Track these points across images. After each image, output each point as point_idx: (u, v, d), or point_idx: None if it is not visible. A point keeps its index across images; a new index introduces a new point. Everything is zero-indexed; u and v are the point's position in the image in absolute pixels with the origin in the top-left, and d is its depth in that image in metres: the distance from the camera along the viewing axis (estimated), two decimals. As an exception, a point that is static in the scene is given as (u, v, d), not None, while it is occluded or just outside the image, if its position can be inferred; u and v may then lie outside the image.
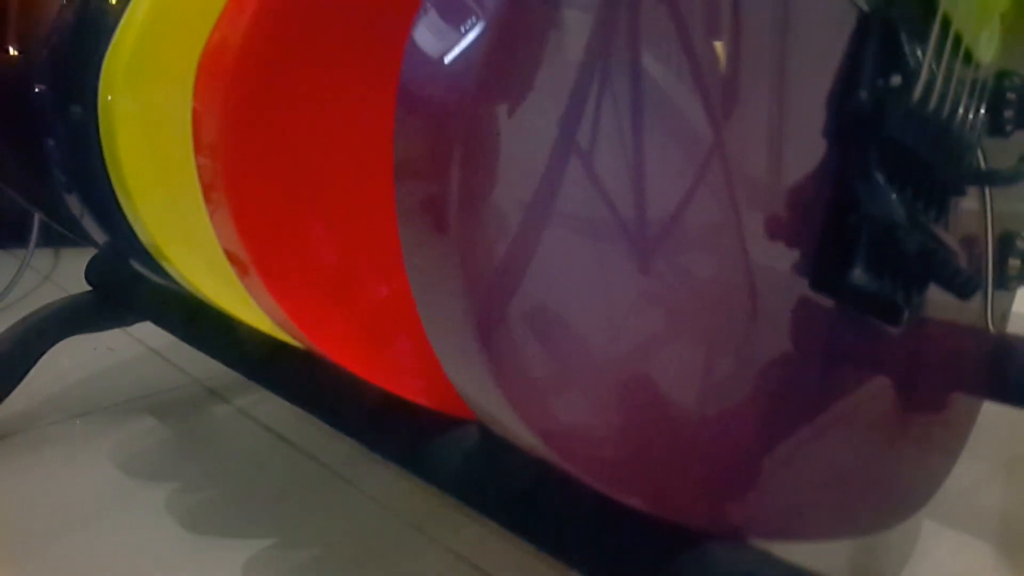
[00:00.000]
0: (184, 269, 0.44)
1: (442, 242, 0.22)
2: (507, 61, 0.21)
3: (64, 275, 0.96)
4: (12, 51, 0.52)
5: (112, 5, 0.45)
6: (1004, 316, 0.42)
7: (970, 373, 0.44)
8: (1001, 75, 0.36)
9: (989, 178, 0.33)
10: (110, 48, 0.42)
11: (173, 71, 0.39)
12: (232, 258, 0.36)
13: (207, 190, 0.36)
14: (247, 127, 0.33)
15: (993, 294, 0.40)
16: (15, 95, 0.53)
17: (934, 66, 0.29)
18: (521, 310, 0.22)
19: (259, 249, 0.31)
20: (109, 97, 0.43)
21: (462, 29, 0.21)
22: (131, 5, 0.42)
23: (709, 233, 0.25)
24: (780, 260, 0.28)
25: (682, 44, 0.23)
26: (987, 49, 0.32)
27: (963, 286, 0.28)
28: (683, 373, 0.25)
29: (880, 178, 0.27)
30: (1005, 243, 0.40)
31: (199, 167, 0.36)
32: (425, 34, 0.22)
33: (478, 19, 0.21)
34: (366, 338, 0.32)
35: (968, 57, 0.32)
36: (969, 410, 0.45)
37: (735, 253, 0.26)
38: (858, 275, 0.27)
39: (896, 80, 0.27)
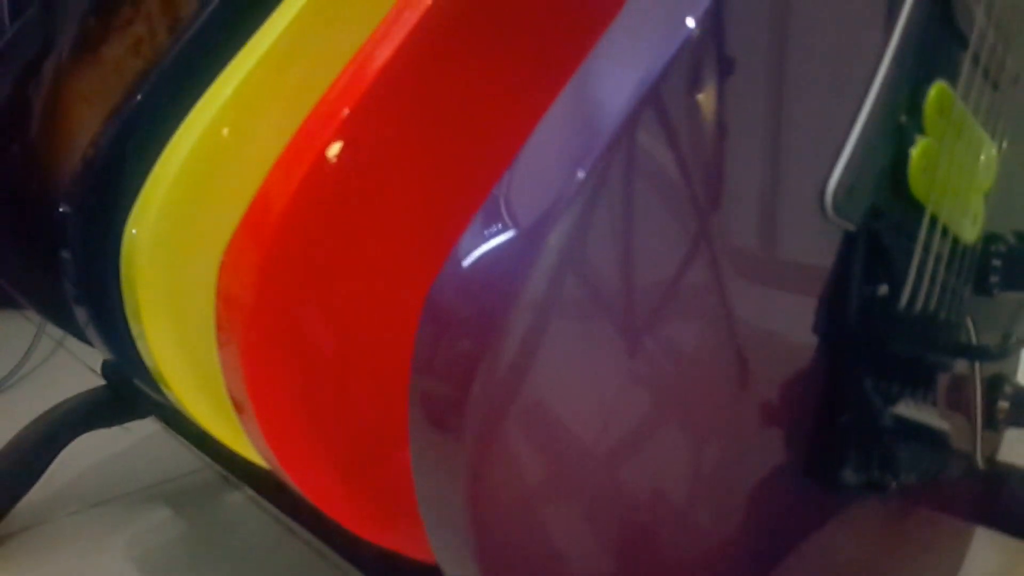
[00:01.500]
0: (187, 403, 0.45)
1: (449, 449, 0.23)
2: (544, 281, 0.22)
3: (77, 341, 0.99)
4: (41, 165, 0.54)
5: (152, 143, 0.46)
6: (994, 453, 0.43)
7: (961, 501, 0.45)
8: (988, 240, 0.37)
9: (978, 354, 0.35)
10: (146, 186, 0.43)
11: (205, 224, 0.40)
12: (239, 409, 0.38)
13: (223, 344, 0.38)
14: (274, 299, 0.34)
15: (982, 435, 0.42)
16: (36, 202, 0.55)
17: (921, 268, 0.31)
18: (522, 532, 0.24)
19: (274, 427, 0.33)
20: (134, 231, 0.45)
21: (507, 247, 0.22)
22: (170, 145, 0.43)
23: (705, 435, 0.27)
24: (773, 450, 0.29)
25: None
26: (972, 230, 0.34)
27: (950, 472, 0.30)
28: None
29: (869, 382, 0.29)
30: (994, 386, 0.42)
31: (219, 331, 0.38)
32: (470, 244, 0.23)
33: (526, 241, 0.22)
34: (375, 512, 0.34)
35: (955, 243, 0.33)
36: (962, 535, 0.46)
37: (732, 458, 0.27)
38: (848, 474, 0.29)
39: (883, 289, 0.29)
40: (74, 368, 0.92)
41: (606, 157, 0.23)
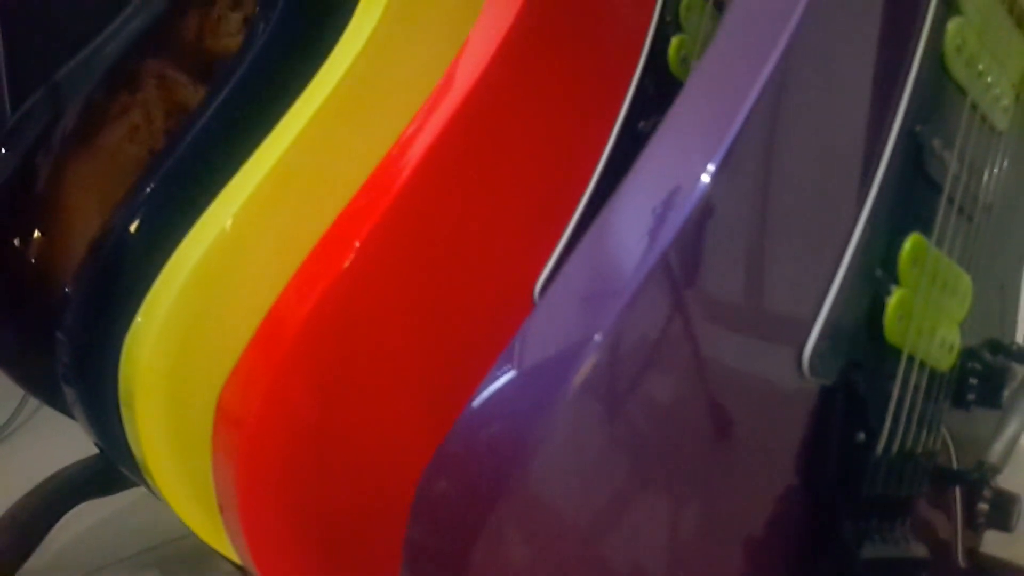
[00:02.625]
0: (167, 493, 0.45)
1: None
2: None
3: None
4: (40, 246, 0.54)
5: (164, 234, 0.46)
6: (974, 549, 0.44)
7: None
8: (966, 356, 0.38)
9: (956, 479, 0.36)
10: (160, 278, 0.42)
11: (215, 325, 0.40)
12: (223, 511, 0.38)
13: (217, 451, 0.38)
14: (276, 426, 0.35)
15: (962, 534, 0.43)
16: (32, 280, 0.55)
17: (898, 408, 0.31)
18: None
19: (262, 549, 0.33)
20: (139, 319, 0.44)
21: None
22: (187, 240, 0.42)
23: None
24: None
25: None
26: (948, 358, 0.35)
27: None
28: None
29: (849, 527, 0.30)
30: (974, 488, 0.43)
31: (216, 440, 0.38)
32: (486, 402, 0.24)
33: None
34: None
35: (932, 373, 0.34)
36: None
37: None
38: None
39: (860, 437, 0.30)
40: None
41: (619, 325, 0.24)
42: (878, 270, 0.30)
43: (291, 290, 0.34)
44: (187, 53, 0.57)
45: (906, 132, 0.30)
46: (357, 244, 0.33)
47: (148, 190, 0.44)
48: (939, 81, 0.32)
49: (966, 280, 0.35)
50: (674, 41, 0.41)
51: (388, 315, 0.34)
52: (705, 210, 0.25)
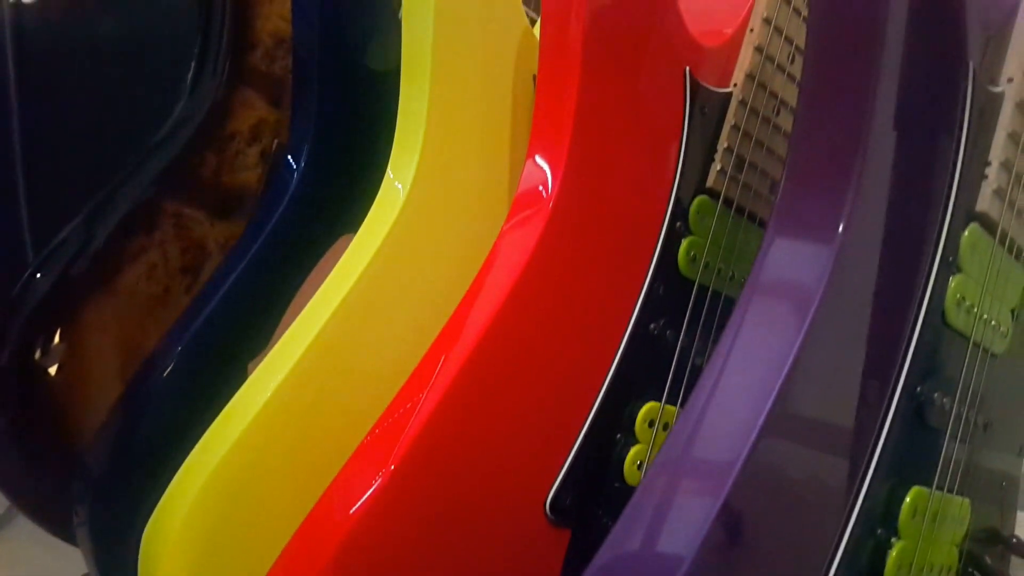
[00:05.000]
0: None
1: None
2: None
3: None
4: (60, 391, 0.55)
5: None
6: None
7: None
8: (965, 561, 0.39)
9: None
10: (190, 461, 0.41)
11: (239, 536, 0.39)
12: None
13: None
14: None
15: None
16: (52, 426, 0.55)
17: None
18: None
19: None
20: (163, 504, 0.42)
21: None
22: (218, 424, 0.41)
23: None
24: None
25: None
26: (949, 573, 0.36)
27: None
28: None
29: None
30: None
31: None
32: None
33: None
34: None
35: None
36: None
37: None
38: None
39: None
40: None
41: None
42: (879, 529, 0.31)
43: (326, 506, 0.35)
44: (204, 190, 0.58)
45: (908, 394, 0.31)
46: (392, 467, 0.34)
47: (168, 371, 0.45)
48: (940, 335, 0.33)
49: (966, 504, 0.36)
50: (684, 243, 0.42)
51: (417, 533, 0.34)
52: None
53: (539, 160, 0.35)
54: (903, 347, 0.30)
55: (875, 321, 0.29)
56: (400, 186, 0.41)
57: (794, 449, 0.27)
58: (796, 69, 0.44)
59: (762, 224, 0.44)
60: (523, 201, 0.35)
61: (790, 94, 0.44)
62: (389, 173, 0.43)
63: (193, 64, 0.57)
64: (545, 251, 0.36)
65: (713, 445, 0.26)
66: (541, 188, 0.35)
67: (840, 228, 0.27)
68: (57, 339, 0.53)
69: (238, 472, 0.38)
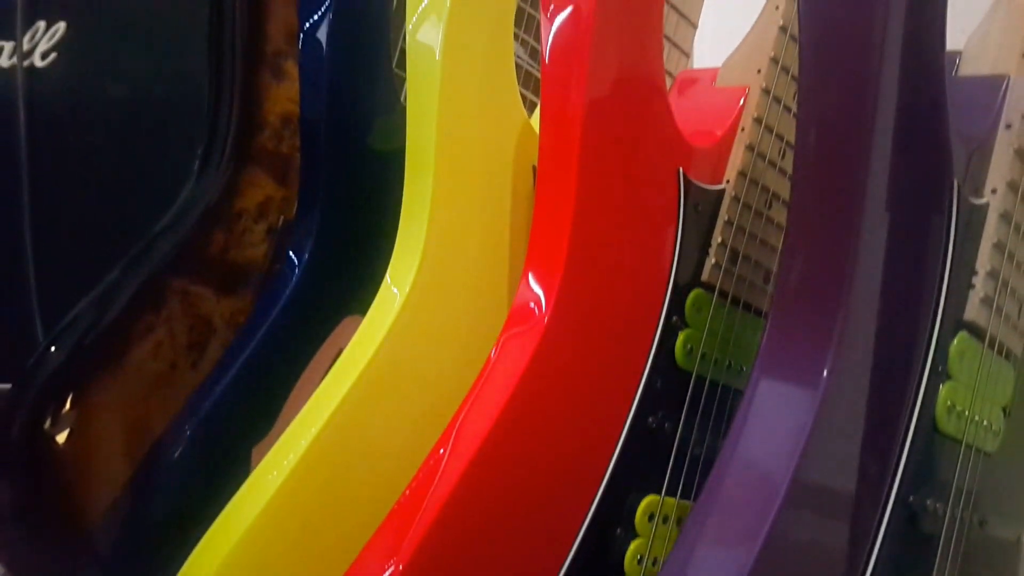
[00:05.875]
0: None
1: None
2: None
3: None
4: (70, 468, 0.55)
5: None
6: None
7: None
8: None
9: None
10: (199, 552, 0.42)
11: None
12: None
13: None
14: None
15: None
16: (61, 496, 0.56)
17: None
18: None
19: None
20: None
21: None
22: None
23: None
24: None
25: None
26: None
27: None
28: None
29: None
30: None
31: None
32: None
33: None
34: None
35: None
36: None
37: None
38: None
39: None
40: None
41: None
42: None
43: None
44: (211, 267, 0.59)
45: (901, 505, 0.32)
46: (401, 567, 0.34)
47: (178, 455, 0.46)
48: (932, 443, 0.33)
49: (961, 603, 0.37)
50: (681, 336, 0.43)
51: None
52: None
53: (533, 284, 0.36)
54: (895, 460, 0.31)
55: (867, 439, 0.30)
56: (396, 292, 0.42)
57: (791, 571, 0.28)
58: (787, 163, 0.45)
59: (757, 312, 0.45)
60: (518, 317, 0.36)
61: (782, 187, 0.45)
62: (388, 278, 0.44)
63: (202, 147, 0.58)
64: (542, 358, 0.36)
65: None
66: (534, 307, 0.36)
67: (830, 352, 0.28)
68: (67, 411, 0.54)
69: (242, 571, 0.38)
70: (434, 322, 0.44)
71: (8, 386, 0.57)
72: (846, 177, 0.29)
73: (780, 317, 0.29)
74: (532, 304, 0.35)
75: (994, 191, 0.35)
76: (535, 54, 0.60)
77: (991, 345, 0.36)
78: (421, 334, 0.43)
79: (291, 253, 0.53)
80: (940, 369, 0.33)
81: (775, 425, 0.28)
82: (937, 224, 0.31)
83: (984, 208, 0.34)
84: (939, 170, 0.31)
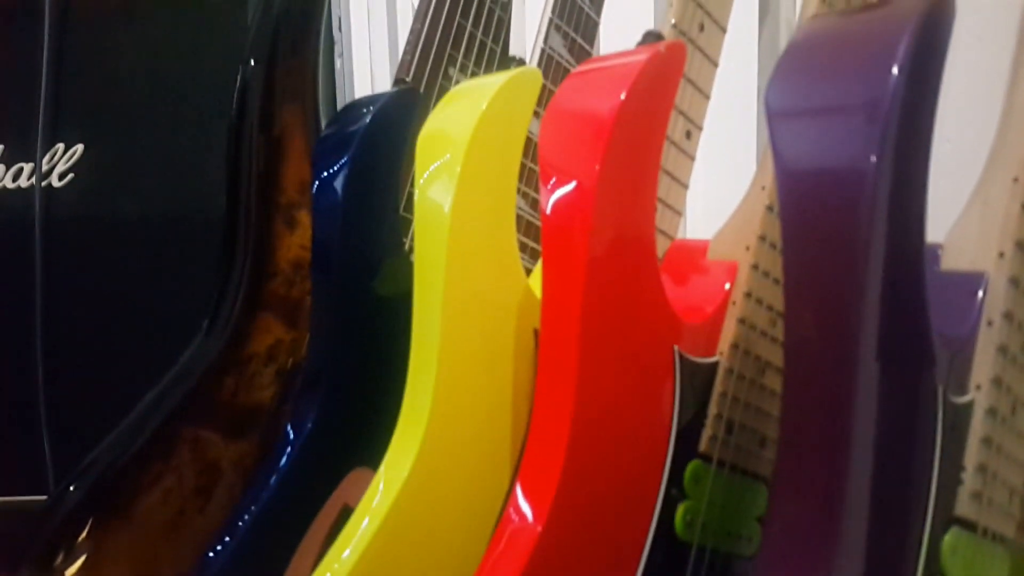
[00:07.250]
0: None
1: None
2: None
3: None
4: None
5: None
6: None
7: None
8: None
9: None
10: None
11: None
12: None
13: None
14: None
15: None
16: None
17: None
18: None
19: None
20: None
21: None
22: None
23: None
24: None
25: None
26: None
27: None
28: None
29: None
30: None
31: None
32: None
33: None
34: None
35: None
36: None
37: None
38: None
39: None
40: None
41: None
42: None
43: None
44: (220, 411, 0.61)
45: None
46: None
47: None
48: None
49: None
50: (680, 509, 0.43)
51: None
52: None
53: (523, 499, 0.37)
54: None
55: None
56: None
57: None
58: (778, 331, 0.47)
59: (754, 476, 0.46)
60: (508, 525, 0.37)
61: (774, 355, 0.46)
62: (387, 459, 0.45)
63: (215, 298, 0.60)
64: (543, 546, 0.37)
65: None
66: (529, 516, 0.37)
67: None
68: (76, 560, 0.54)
69: None
70: (440, 489, 0.45)
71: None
72: (834, 396, 0.30)
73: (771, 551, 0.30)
74: (527, 519, 0.36)
75: (979, 387, 0.36)
76: (535, 204, 0.63)
77: (983, 535, 0.36)
78: (429, 500, 0.44)
79: (300, 405, 0.54)
80: (934, 568, 0.33)
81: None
82: (923, 432, 0.32)
83: (969, 406, 0.35)
84: (925, 382, 0.32)
